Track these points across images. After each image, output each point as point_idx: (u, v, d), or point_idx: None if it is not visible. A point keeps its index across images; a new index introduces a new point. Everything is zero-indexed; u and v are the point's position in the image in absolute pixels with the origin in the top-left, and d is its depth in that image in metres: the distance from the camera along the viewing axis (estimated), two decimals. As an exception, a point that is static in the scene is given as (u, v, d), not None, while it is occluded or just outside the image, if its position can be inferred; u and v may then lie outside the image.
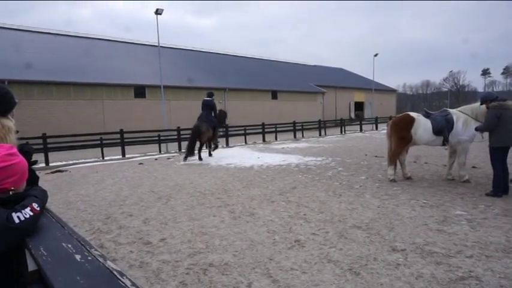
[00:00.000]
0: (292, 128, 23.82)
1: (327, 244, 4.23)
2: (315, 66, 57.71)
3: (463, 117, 7.24)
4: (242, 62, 43.35)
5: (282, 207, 5.94)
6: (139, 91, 27.30)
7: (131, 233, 4.91)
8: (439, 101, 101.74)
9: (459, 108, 7.58)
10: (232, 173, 9.57)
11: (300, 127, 24.89)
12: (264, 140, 20.74)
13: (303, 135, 23.95)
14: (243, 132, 20.85)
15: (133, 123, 24.98)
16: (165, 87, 24.20)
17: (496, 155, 6.26)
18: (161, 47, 24.59)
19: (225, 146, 18.29)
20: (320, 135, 24.72)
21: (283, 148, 16.27)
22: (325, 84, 45.24)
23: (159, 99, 25.74)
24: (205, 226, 5.08)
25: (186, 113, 29.17)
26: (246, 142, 19.80)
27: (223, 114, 13.94)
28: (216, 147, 13.48)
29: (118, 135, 16.16)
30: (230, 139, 19.36)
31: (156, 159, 13.74)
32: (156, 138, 17.23)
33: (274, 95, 37.27)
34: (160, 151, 16.67)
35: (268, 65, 46.90)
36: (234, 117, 31.65)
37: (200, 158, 12.56)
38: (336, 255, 3.90)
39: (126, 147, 15.72)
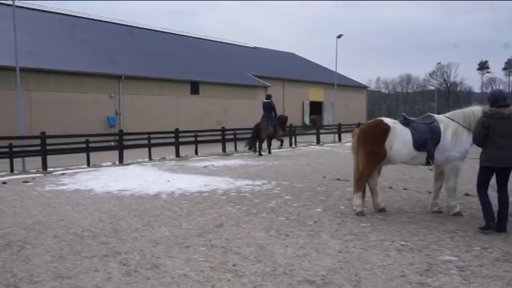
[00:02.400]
0: (220, 137, 23.91)
1: (266, 309, 4.22)
2: (255, 48, 59.08)
3: (452, 126, 7.81)
4: (148, 39, 42.86)
5: (201, 255, 5.86)
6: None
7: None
8: (423, 104, 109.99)
9: (448, 114, 8.16)
10: (127, 204, 9.31)
11: (232, 136, 25.09)
12: (177, 154, 20.54)
13: (235, 148, 24.15)
14: (146, 142, 20.47)
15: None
16: (23, 70, 22.93)
17: (481, 177, 6.90)
18: (16, 6, 23.48)
19: (117, 163, 17.75)
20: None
21: (206, 167, 16.25)
22: (270, 75, 46.46)
23: (11, 89, 24.24)
24: (81, 287, 4.82)
25: (57, 111, 27.96)
26: (150, 157, 19.43)
27: (284, 119, 22.30)
28: (282, 142, 22.21)
29: None
30: (126, 153, 18.84)
31: (4, 182, 12.88)
32: (5, 150, 16.25)
33: (195, 88, 37.33)
34: (12, 170, 15.69)
35: (188, 44, 47.03)
36: (132, 120, 31.07)
37: (260, 154, 20.46)
38: (278, 325, 3.90)
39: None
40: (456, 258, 5.63)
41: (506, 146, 6.69)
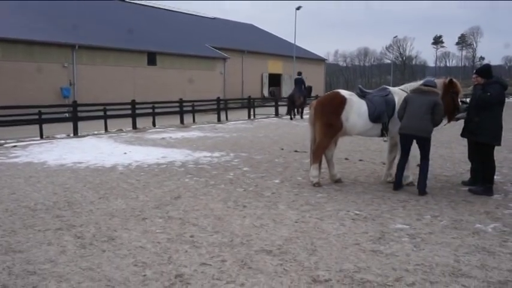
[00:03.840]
0: (178, 109, 23.67)
1: (223, 278, 4.26)
2: (214, 19, 58.19)
3: (406, 99, 7.96)
4: (104, 7, 41.41)
5: (158, 227, 5.84)
6: None
7: None
8: (380, 77, 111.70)
9: (402, 87, 8.33)
10: (83, 177, 9.14)
11: (191, 108, 24.87)
12: (134, 126, 20.20)
13: (194, 120, 23.99)
14: (102, 114, 20.02)
15: None
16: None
17: (401, 143, 7.75)
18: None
19: (71, 135, 17.32)
20: (219, 120, 25.04)
21: (163, 139, 16.09)
22: (229, 46, 45.98)
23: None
24: (33, 262, 4.73)
25: (8, 82, 26.89)
26: (106, 129, 19.04)
27: (309, 89, 27.77)
28: None
29: None
30: (80, 124, 18.39)
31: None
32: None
33: (152, 58, 36.60)
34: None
35: (145, 14, 45.74)
36: (87, 91, 30.26)
37: (291, 118, 25.23)
38: (235, 294, 3.95)
39: None
40: (408, 227, 5.82)
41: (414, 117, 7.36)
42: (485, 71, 7.71)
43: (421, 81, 8.21)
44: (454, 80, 8.04)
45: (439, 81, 7.97)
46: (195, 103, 25.59)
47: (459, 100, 8.04)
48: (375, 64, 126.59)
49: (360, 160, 10.98)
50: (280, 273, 4.39)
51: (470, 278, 4.23)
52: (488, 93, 7.29)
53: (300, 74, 26.94)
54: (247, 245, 5.16)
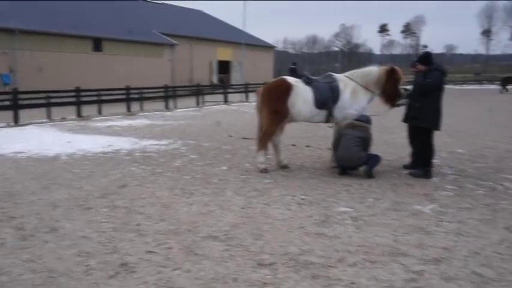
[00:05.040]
0: (125, 96, 23.22)
1: (169, 265, 4.27)
2: (162, 4, 57.15)
3: (351, 85, 8.15)
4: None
5: (103, 217, 5.77)
6: None
7: None
8: (328, 64, 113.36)
9: (347, 73, 8.50)
10: (24, 167, 8.86)
11: (138, 95, 24.45)
12: (79, 114, 19.66)
13: (141, 108, 23.59)
14: (44, 102, 19.35)
15: None
16: None
17: None
18: None
19: (12, 123, 16.67)
20: (167, 107, 24.77)
21: (109, 127, 15.82)
22: (177, 32, 45.35)
23: None
24: (-31, 254, 4.56)
25: None
26: (49, 117, 18.43)
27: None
28: None
29: None
30: (22, 113, 17.72)
31: None
32: None
33: (98, 44, 35.64)
34: None
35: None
36: (29, 78, 29.16)
37: None
38: (181, 280, 3.97)
39: None
40: (351, 209, 6.00)
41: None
42: (426, 58, 7.99)
43: (366, 68, 8.44)
44: (396, 67, 8.28)
45: (382, 69, 8.21)
46: (143, 90, 25.14)
47: (401, 87, 8.30)
48: (324, 52, 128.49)
49: (307, 146, 11.17)
50: (226, 258, 4.44)
51: (408, 257, 4.43)
52: (429, 80, 7.57)
53: (294, 64, 27.60)
54: (194, 232, 5.18)
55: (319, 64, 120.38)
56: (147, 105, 24.93)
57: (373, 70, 8.24)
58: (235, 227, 5.36)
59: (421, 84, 7.67)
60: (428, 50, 58.68)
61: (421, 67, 7.89)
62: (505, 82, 38.92)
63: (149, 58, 39.81)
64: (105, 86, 26.79)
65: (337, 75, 8.43)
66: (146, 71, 37.78)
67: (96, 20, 37.89)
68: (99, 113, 20.85)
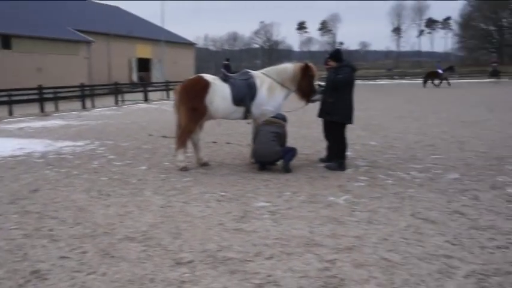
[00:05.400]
0: (38, 96, 22.16)
1: (83, 270, 4.16)
2: (77, 0, 54.93)
3: (267, 82, 8.30)
4: None
5: (12, 223, 5.51)
6: None
7: None
8: (249, 61, 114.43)
9: (263, 70, 8.64)
10: None
11: (52, 95, 23.43)
12: (-12, 116, 18.54)
13: (56, 108, 22.64)
14: None
15: None
16: None
17: None
18: None
19: None
20: (84, 107, 23.94)
21: (21, 129, 15.09)
22: (93, 29, 43.86)
23: None
24: None
25: None
26: (-47, 120, 17.24)
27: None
28: None
29: None
30: None
31: None
32: None
33: (7, 41, 33.62)
34: None
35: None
36: None
37: None
38: (96, 284, 3.88)
39: None
40: (269, 204, 6.11)
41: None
42: (336, 55, 8.29)
43: (281, 65, 8.62)
44: (310, 64, 8.53)
45: (297, 66, 8.42)
46: (57, 90, 24.13)
47: (316, 83, 8.55)
48: (244, 49, 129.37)
49: (228, 143, 11.24)
50: (143, 259, 4.39)
51: (322, 247, 4.60)
52: (340, 75, 7.87)
53: (228, 60, 28.36)
54: (111, 234, 5.07)
55: (240, 61, 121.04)
56: (63, 105, 23.96)
57: (289, 67, 8.44)
58: (153, 226, 5.30)
59: (333, 80, 7.96)
60: (339, 47, 60.98)
61: (332, 63, 8.17)
62: (427, 77, 41.29)
63: (64, 56, 38.16)
64: (16, 85, 25.40)
65: (253, 72, 8.55)
66: (61, 70, 36.23)
67: (4, 15, 35.76)
68: (10, 114, 19.76)
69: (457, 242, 4.66)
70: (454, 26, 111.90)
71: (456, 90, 35.19)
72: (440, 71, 40.36)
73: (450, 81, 40.71)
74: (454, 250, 4.45)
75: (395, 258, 4.30)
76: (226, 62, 27.40)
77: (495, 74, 49.08)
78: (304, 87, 8.36)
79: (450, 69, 41.58)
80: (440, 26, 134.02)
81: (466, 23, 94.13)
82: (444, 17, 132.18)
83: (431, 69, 44.92)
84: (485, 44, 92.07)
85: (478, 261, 4.18)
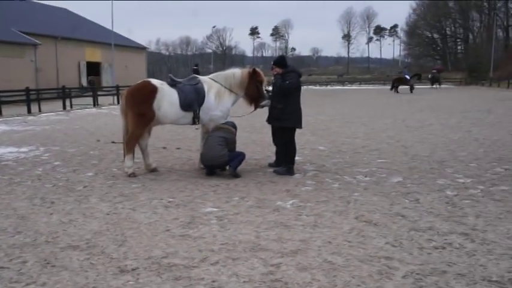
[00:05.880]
0: (-20, 100, 21.27)
1: (22, 280, 4.03)
2: (22, 1, 53.15)
3: (215, 87, 8.30)
4: None
5: None
6: None
7: None
8: (202, 65, 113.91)
9: (211, 76, 8.64)
10: None
11: (-4, 100, 22.55)
12: None
13: (0, 113, 21.81)
14: None
15: None
16: None
17: None
18: None
19: None
20: (30, 112, 23.16)
21: (-39, 135, 14.33)
22: (40, 31, 42.54)
23: None
24: None
25: None
26: None
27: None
28: None
29: None
30: None
31: None
32: None
33: None
34: None
35: None
36: None
37: None
38: (35, 295, 3.77)
39: None
40: (217, 209, 6.12)
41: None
42: (281, 61, 8.40)
43: (229, 70, 8.66)
44: (258, 69, 8.61)
45: (244, 71, 8.48)
46: (1, 94, 23.25)
47: (264, 89, 8.64)
48: (197, 53, 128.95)
49: (178, 148, 11.17)
50: (86, 267, 4.30)
51: (267, 251, 4.65)
52: (287, 82, 7.98)
53: (196, 65, 29.96)
54: (53, 243, 4.94)
55: (193, 66, 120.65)
56: (7, 109, 23.09)
57: (236, 72, 8.49)
58: (98, 234, 5.21)
59: (280, 86, 8.06)
60: (297, 52, 61.88)
61: (278, 70, 8.28)
62: (395, 83, 42.58)
63: (8, 59, 36.77)
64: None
65: (201, 77, 8.54)
66: (5, 73, 34.88)
67: None
68: (-51, 119, 18.90)
69: (397, 243, 4.83)
70: (401, 33, 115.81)
71: (403, 96, 36.34)
72: (407, 77, 41.90)
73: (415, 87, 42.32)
74: (394, 251, 4.60)
75: (338, 260, 4.39)
76: (195, 67, 28.24)
77: (435, 80, 51.77)
78: (251, 92, 8.42)
79: (417, 76, 43.44)
80: (388, 34, 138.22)
81: (412, 30, 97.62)
82: (391, 24, 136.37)
83: (399, 75, 46.46)
84: (431, 52, 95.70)
85: (416, 262, 4.34)
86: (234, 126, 8.30)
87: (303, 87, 9.15)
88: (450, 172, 8.25)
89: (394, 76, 49.57)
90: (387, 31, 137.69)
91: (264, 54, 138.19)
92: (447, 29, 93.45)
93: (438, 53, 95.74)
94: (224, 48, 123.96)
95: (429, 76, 53.51)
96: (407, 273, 4.10)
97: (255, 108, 8.72)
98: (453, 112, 20.38)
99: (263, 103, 8.59)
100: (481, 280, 3.95)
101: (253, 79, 8.38)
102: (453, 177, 7.82)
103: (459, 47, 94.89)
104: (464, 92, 38.82)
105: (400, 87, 41.59)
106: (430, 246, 4.74)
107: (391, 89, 42.11)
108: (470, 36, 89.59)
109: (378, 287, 3.85)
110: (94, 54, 51.05)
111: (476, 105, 24.11)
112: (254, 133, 13.53)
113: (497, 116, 18.53)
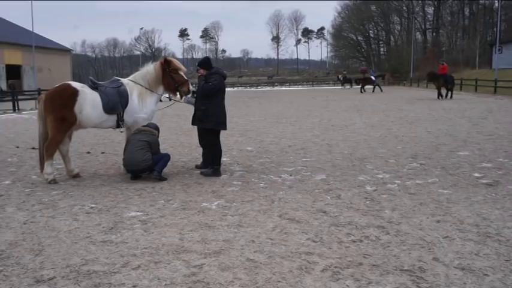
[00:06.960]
0: None
1: None
2: None
3: (137, 89, 8.15)
4: None
5: None
6: None
7: None
8: (131, 68, 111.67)
9: (130, 77, 8.46)
10: None
11: None
12: None
13: None
14: None
15: None
16: None
17: None
18: None
19: None
20: None
21: None
22: (-48, 33, 39.97)
23: None
24: None
25: None
26: None
27: None
28: None
29: None
30: None
31: None
32: None
33: None
34: None
35: None
36: None
37: None
38: None
39: None
40: (141, 213, 6.02)
41: None
42: (205, 63, 8.40)
43: (144, 68, 8.50)
44: (169, 58, 8.52)
45: (157, 64, 8.38)
46: None
47: (183, 75, 8.48)
48: (125, 55, 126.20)
49: (103, 153, 10.89)
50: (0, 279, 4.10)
51: (190, 253, 4.63)
52: (210, 83, 7.98)
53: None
54: (-37, 256, 4.66)
55: (121, 68, 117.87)
56: None
57: (150, 68, 8.36)
58: (13, 245, 4.96)
59: (202, 87, 8.05)
60: (227, 54, 62.24)
61: (202, 71, 8.27)
62: (363, 83, 43.65)
63: None
64: None
65: (123, 80, 8.37)
66: None
67: None
68: None
69: (318, 239, 4.96)
70: (328, 35, 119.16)
71: (331, 95, 37.37)
72: (373, 78, 43.72)
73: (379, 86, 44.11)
74: (315, 247, 4.73)
75: (260, 258, 4.45)
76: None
77: (347, 81, 56.33)
78: (168, 83, 8.33)
79: (381, 77, 45.53)
80: (315, 36, 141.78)
81: (338, 33, 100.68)
82: (319, 27, 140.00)
83: (366, 76, 48.24)
84: (356, 53, 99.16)
85: (334, 256, 4.48)
86: (157, 128, 8.19)
87: (233, 89, 9.11)
88: (370, 168, 8.58)
89: (361, 77, 51.30)
90: (315, 33, 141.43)
91: (194, 56, 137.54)
92: (370, 31, 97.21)
93: (363, 54, 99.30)
94: (153, 50, 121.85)
95: (339, 77, 57.60)
96: (326, 267, 4.22)
97: (181, 97, 8.60)
98: (376, 111, 21.18)
99: (187, 98, 8.54)
100: (393, 270, 4.14)
101: (165, 69, 8.28)
102: (373, 173, 8.14)
103: (382, 49, 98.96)
104: (388, 93, 40.46)
105: (366, 86, 42.98)
106: (348, 240, 4.91)
107: (361, 90, 43.02)
108: (392, 39, 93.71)
109: (298, 282, 3.94)
110: (14, 57, 48.70)
111: (397, 105, 25.18)
112: (182, 135, 13.42)
113: (416, 114, 19.46)
